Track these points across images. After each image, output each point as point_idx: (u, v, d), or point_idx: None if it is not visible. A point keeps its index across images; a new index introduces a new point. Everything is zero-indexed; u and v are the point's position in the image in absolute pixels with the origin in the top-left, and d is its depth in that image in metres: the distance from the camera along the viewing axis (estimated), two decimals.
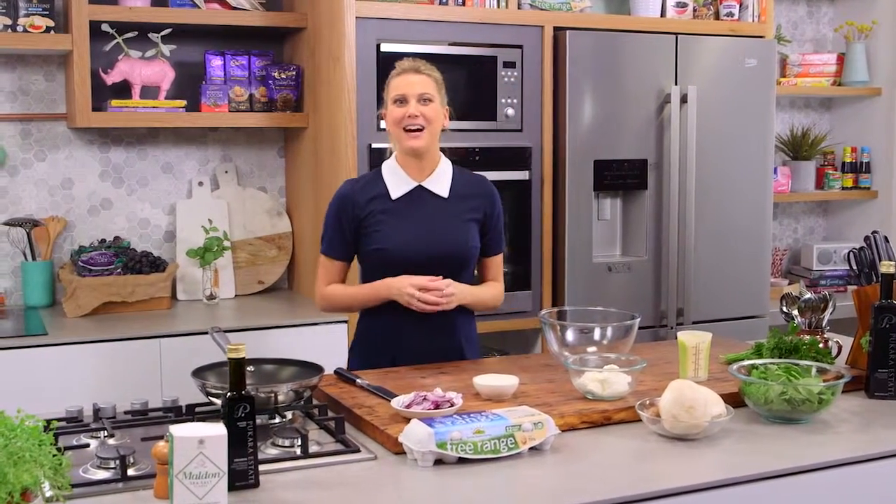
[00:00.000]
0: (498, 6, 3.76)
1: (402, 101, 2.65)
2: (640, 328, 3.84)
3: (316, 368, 2.30)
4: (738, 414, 2.24)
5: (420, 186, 2.72)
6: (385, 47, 3.56)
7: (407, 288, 2.60)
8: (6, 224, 3.68)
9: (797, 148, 4.87)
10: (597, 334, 2.58)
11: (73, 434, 2.06)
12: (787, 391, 2.17)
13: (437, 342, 2.72)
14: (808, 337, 2.57)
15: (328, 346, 3.48)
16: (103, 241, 3.81)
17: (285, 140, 4.15)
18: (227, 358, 1.81)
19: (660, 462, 2.00)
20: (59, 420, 2.14)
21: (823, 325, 2.69)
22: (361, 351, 2.78)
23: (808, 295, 2.68)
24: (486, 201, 2.78)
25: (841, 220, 5.10)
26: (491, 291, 2.83)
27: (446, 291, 2.61)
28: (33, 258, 3.71)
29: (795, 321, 2.69)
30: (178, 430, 1.67)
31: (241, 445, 1.79)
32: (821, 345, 2.58)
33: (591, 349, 2.54)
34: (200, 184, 4.02)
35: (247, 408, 1.79)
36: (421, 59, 2.73)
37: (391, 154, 2.80)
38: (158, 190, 3.98)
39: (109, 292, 3.58)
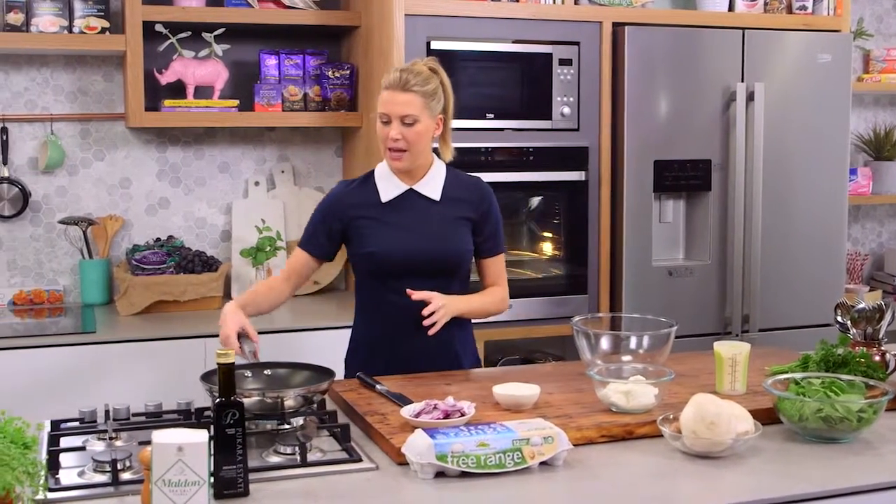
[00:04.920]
0: (553, 2, 3.65)
1: (385, 119, 2.56)
2: (702, 335, 3.79)
3: (328, 373, 2.24)
4: (774, 431, 2.11)
5: (411, 189, 2.65)
6: (435, 45, 3.49)
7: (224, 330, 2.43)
8: (62, 223, 3.73)
9: (880, 147, 4.63)
10: (633, 343, 2.47)
11: (79, 435, 2.04)
12: (824, 408, 2.02)
13: (433, 354, 2.63)
14: (860, 349, 2.41)
15: None
16: (158, 239, 3.84)
17: (343, 139, 4.12)
18: (216, 363, 1.76)
19: (678, 481, 1.88)
20: (70, 421, 2.13)
21: (880, 336, 2.52)
22: (353, 363, 2.72)
23: (861, 304, 2.51)
24: (479, 201, 2.68)
25: None
26: (490, 297, 2.72)
27: (435, 305, 2.51)
28: (90, 256, 3.75)
29: (850, 332, 2.53)
30: (158, 436, 1.63)
31: (230, 453, 1.75)
32: (876, 357, 2.41)
33: (626, 358, 2.43)
34: (257, 183, 4.02)
35: (235, 414, 1.75)
36: (415, 70, 2.57)
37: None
38: (215, 189, 3.99)
39: (161, 291, 3.60)
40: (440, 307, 2.51)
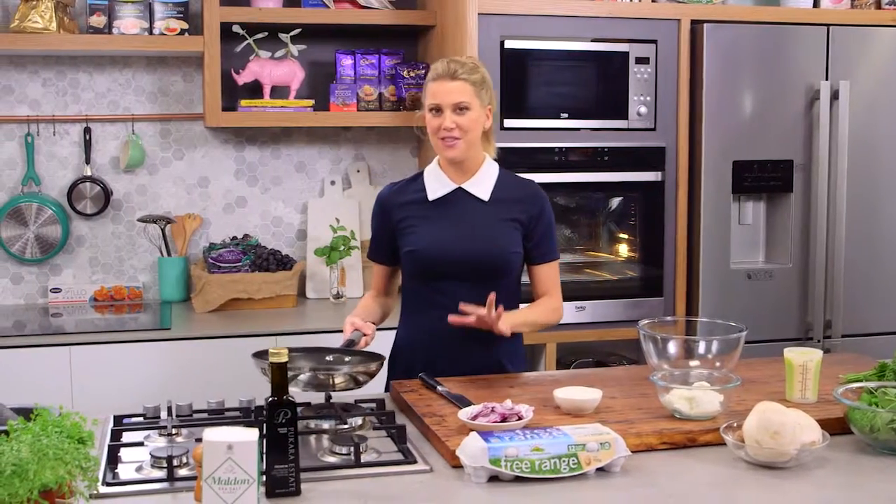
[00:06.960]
0: (630, 0, 3.59)
1: (437, 110, 2.51)
2: (782, 340, 3.68)
3: (377, 357, 2.27)
4: (844, 442, 2.04)
5: (460, 188, 2.60)
6: (509, 44, 3.47)
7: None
8: (142, 221, 3.81)
9: None
10: (701, 348, 2.40)
11: (141, 431, 2.07)
12: None
13: (475, 361, 2.57)
14: None
15: None
16: (234, 238, 3.89)
17: (418, 139, 4.11)
18: (269, 362, 1.77)
19: (739, 492, 1.83)
20: (132, 416, 2.17)
21: None
22: (395, 365, 2.68)
23: None
24: (531, 204, 2.60)
25: None
26: (539, 309, 2.63)
27: (496, 320, 2.39)
28: (169, 254, 3.82)
29: None
30: (209, 433, 1.64)
31: (282, 452, 1.75)
32: None
33: (694, 363, 2.37)
34: (332, 183, 4.04)
35: (287, 413, 1.75)
36: (460, 60, 2.54)
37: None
38: (291, 189, 4.03)
39: (236, 289, 3.65)
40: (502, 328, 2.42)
